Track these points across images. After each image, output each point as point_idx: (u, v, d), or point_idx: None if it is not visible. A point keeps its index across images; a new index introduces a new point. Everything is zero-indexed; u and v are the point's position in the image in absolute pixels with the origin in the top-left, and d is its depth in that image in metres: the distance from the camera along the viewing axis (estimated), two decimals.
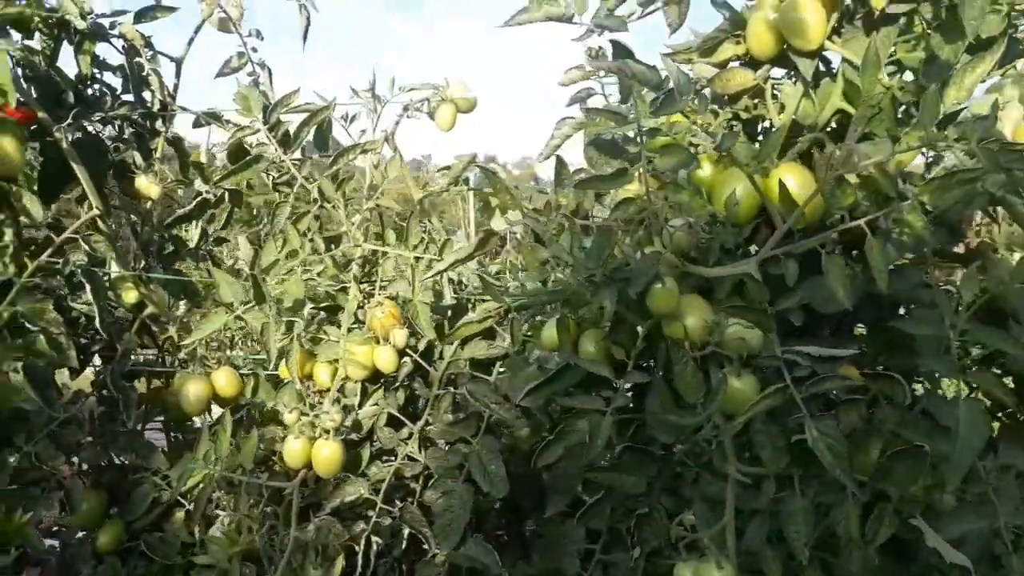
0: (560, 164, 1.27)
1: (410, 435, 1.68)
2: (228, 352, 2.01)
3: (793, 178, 1.12)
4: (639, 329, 1.16)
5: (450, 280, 1.65)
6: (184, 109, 1.95)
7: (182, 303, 2.24)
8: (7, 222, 1.83)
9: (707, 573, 1.04)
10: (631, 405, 1.18)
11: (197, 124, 2.06)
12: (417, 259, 1.63)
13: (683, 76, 1.05)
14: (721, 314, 1.09)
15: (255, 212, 2.33)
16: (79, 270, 1.70)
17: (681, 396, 1.15)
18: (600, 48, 1.45)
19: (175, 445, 2.21)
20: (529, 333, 1.70)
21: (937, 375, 1.17)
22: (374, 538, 1.62)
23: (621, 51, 1.16)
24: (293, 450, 1.63)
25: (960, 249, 1.31)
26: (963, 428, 0.96)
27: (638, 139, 1.08)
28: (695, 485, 1.21)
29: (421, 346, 1.70)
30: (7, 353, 1.68)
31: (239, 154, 1.76)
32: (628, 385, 1.16)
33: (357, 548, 1.60)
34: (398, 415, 1.70)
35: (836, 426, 0.96)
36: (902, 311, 1.32)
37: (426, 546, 1.68)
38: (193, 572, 1.98)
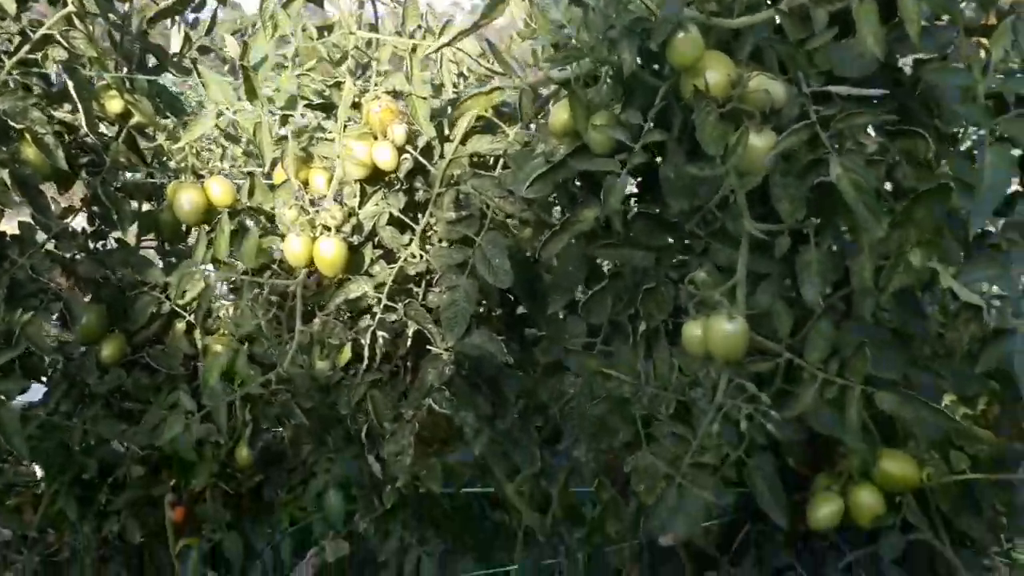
0: None
1: (413, 235, 1.67)
2: (220, 163, 1.96)
3: None
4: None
5: (453, 72, 1.58)
6: None
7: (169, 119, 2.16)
8: None
9: (718, 326, 1.05)
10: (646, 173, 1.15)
11: None
12: (415, 48, 1.55)
13: None
14: (743, 67, 1.05)
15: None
16: (60, 65, 1.61)
17: (696, 161, 1.12)
18: None
19: (171, 266, 2.19)
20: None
21: (960, 130, 1.15)
22: (379, 333, 1.64)
23: None
24: (294, 248, 1.61)
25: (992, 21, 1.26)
26: (989, 172, 0.95)
27: None
28: (704, 255, 1.21)
29: (420, 143, 1.65)
30: None
31: None
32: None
33: (363, 342, 1.62)
34: (400, 215, 1.67)
35: (862, 161, 0.95)
36: None
37: (430, 346, 1.71)
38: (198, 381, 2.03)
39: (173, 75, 2.16)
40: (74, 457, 2.02)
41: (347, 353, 1.56)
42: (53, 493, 2.04)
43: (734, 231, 1.12)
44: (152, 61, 2.12)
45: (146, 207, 2.14)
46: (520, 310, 1.92)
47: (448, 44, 1.36)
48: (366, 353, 1.62)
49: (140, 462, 2.03)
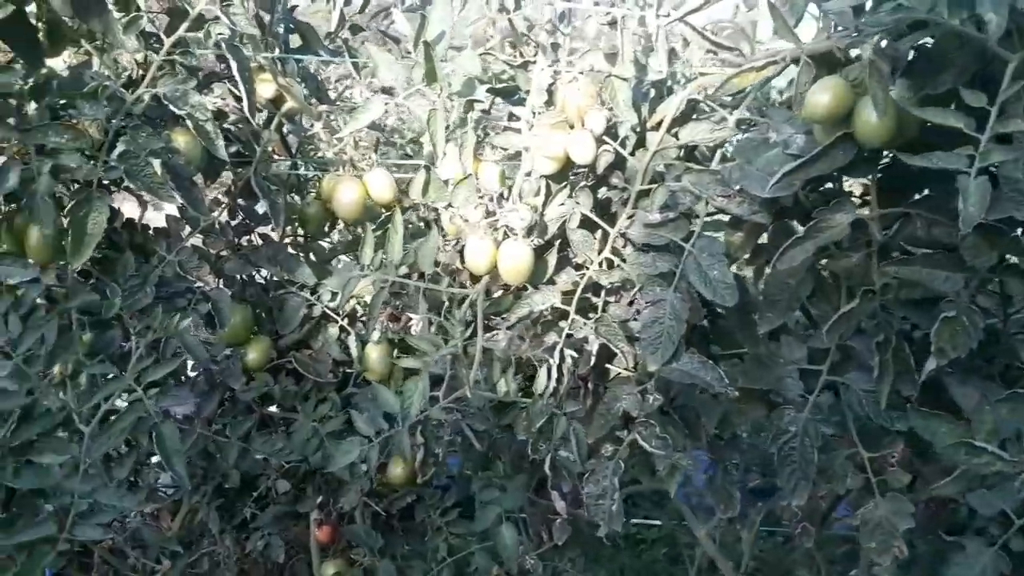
0: None
1: (606, 239, 1.44)
2: (376, 155, 1.79)
3: None
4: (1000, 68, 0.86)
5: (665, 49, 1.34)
6: None
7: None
8: None
9: None
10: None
11: None
12: (622, 18, 1.32)
13: None
14: None
15: None
16: (223, 43, 1.45)
17: None
18: None
19: (311, 263, 2.03)
20: None
21: None
22: (567, 351, 1.42)
23: None
24: (478, 251, 1.41)
25: None
26: None
27: None
28: None
29: (622, 133, 1.43)
30: (149, 143, 1.48)
31: None
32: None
33: (551, 361, 1.41)
34: (592, 216, 1.45)
35: None
36: None
37: (612, 364, 1.49)
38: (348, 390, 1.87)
39: (319, 57, 2.00)
40: (217, 466, 1.90)
41: (544, 377, 1.36)
42: (194, 502, 1.93)
43: None
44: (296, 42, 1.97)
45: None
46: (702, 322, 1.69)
47: (694, 11, 1.12)
48: (554, 374, 1.41)
49: (284, 475, 1.90)
